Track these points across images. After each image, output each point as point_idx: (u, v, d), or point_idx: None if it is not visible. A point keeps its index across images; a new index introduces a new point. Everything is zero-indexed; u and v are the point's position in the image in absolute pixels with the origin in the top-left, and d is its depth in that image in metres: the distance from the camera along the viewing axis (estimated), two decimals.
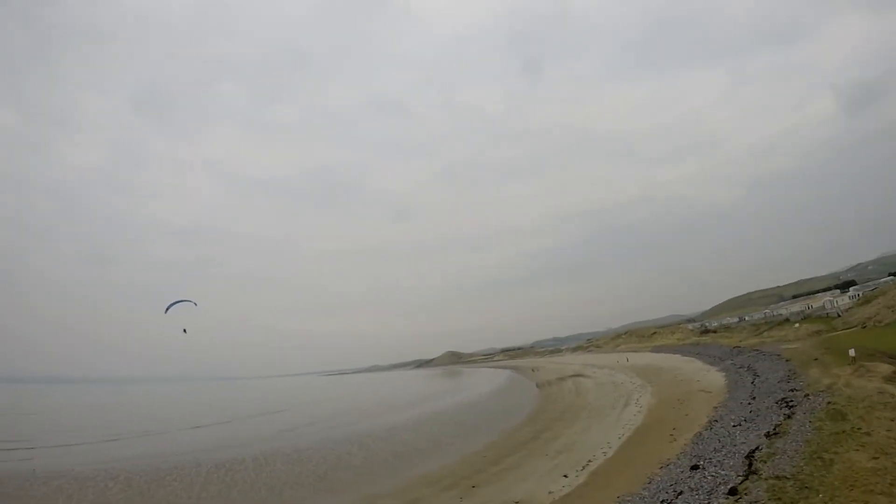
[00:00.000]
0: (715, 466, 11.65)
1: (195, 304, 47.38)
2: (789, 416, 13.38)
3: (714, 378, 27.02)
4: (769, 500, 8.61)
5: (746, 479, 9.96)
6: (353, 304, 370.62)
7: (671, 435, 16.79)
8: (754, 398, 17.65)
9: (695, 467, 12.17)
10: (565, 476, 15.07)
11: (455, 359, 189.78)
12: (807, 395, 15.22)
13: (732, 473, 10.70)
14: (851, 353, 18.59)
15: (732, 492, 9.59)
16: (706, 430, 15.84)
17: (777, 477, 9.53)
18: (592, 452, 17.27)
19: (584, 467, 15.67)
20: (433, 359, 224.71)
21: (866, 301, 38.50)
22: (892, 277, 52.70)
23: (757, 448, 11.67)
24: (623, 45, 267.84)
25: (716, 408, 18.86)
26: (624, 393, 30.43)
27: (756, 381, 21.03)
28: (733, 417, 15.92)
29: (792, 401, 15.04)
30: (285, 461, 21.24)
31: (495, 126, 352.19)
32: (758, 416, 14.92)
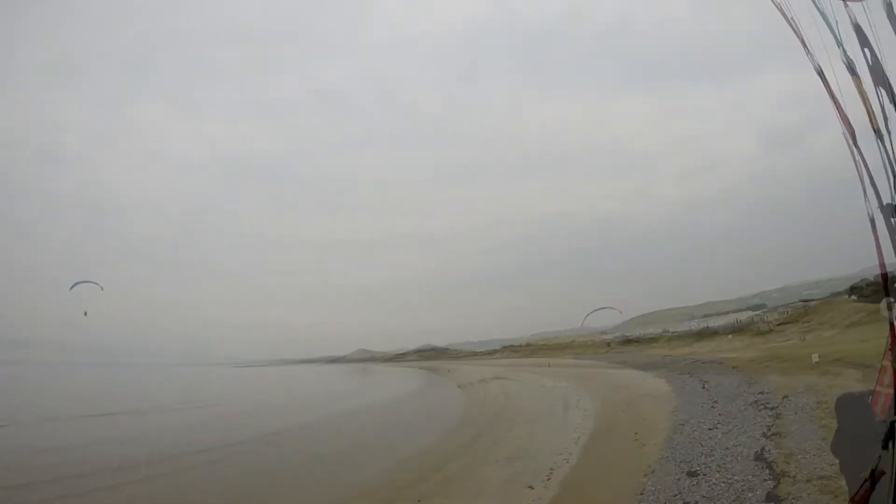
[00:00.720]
0: (719, 472, 10.10)
1: (101, 288, 40.70)
2: (777, 417, 12.42)
3: (655, 384, 26.73)
4: (832, 500, 7.52)
5: (779, 483, 8.60)
6: (269, 296, 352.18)
7: (636, 440, 15.32)
8: (716, 402, 16.92)
9: (692, 474, 10.54)
10: (530, 487, 12.79)
11: (366, 356, 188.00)
12: (785, 397, 14.56)
13: (751, 477, 9.22)
14: (815, 358, 18.77)
15: (772, 498, 8.21)
16: (676, 433, 14.52)
17: (821, 477, 8.42)
18: (552, 459, 15.24)
19: (548, 477, 13.52)
20: (344, 355, 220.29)
21: (793, 320, 41.77)
22: (802, 303, 57.92)
23: (763, 449, 10.39)
24: (561, 59, 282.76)
25: (673, 412, 17.85)
26: (559, 396, 29.26)
27: (707, 386, 20.71)
28: (703, 421, 14.83)
29: (769, 403, 14.27)
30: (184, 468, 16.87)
31: (433, 126, 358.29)
32: (732, 419, 13.93)
